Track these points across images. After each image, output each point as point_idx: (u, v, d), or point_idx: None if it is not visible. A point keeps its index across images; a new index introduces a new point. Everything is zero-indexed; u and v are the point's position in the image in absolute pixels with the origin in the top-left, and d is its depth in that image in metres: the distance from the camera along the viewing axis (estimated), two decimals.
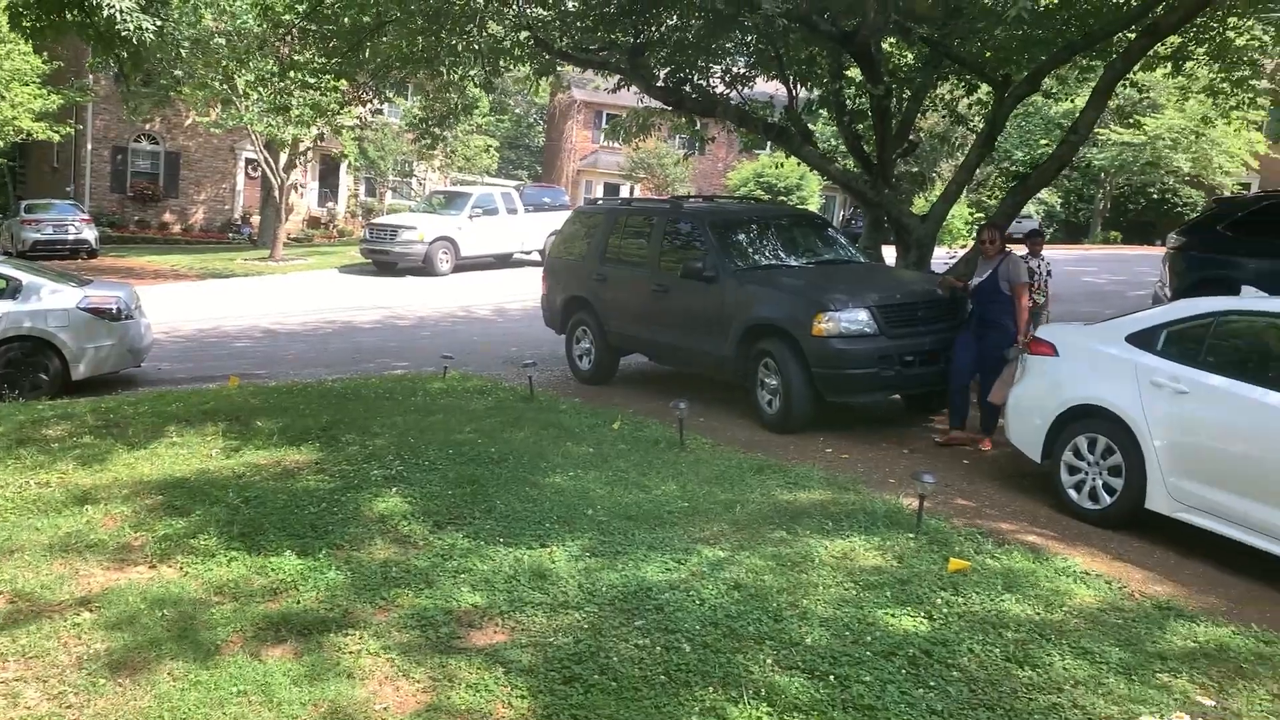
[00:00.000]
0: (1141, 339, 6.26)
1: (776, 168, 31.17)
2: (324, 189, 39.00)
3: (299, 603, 4.88)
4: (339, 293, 20.48)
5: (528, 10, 11.64)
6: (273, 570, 5.25)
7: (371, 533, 5.78)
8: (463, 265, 23.63)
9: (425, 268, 22.82)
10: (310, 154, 30.95)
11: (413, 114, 20.25)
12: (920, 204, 18.83)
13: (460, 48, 11.16)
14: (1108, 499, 6.19)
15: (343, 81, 12.98)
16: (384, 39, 10.91)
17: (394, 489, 6.53)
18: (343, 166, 36.66)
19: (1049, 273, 11.04)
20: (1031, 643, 4.49)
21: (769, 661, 4.24)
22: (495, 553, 5.45)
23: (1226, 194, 29.27)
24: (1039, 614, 4.81)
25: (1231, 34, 12.23)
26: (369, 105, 14.11)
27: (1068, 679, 4.19)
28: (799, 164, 29.38)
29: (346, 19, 11.26)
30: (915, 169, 20.33)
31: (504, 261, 24.67)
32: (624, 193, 38.93)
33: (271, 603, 4.89)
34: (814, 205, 36.97)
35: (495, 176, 41.67)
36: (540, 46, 11.82)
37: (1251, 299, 6.20)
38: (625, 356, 10.87)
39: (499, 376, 10.83)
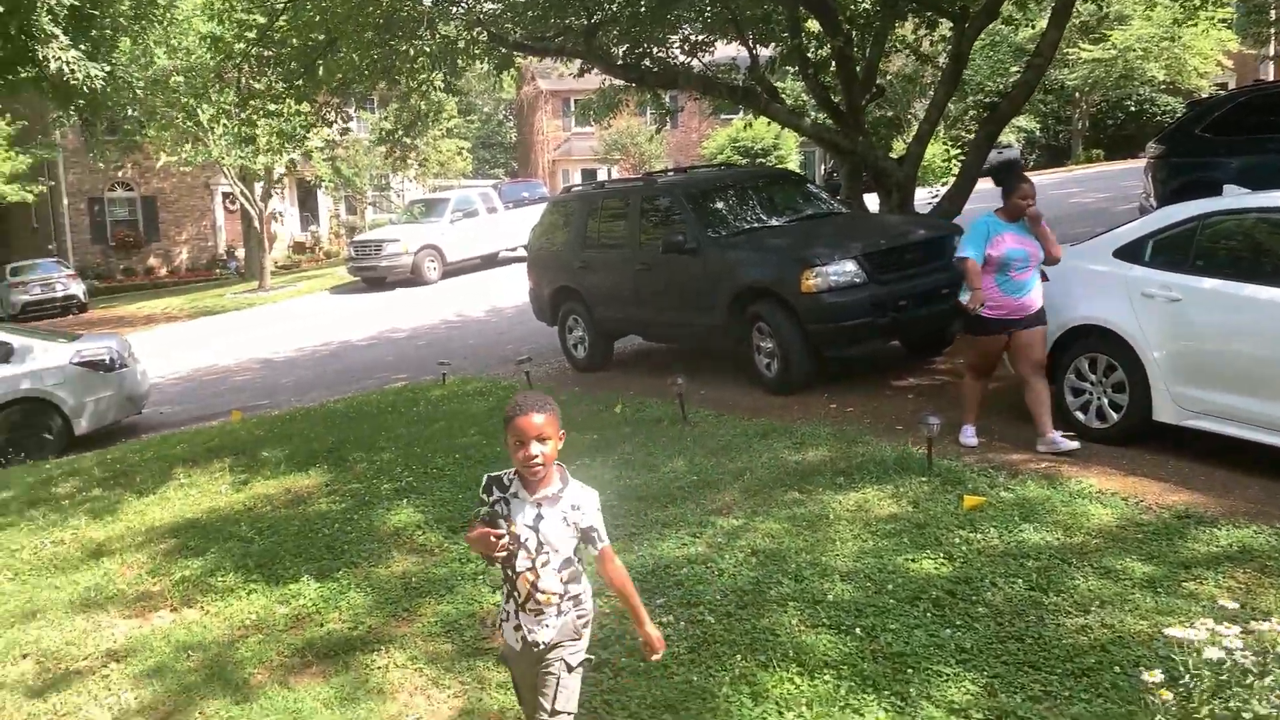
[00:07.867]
0: (1128, 252, 6.22)
1: (746, 128, 30.94)
2: (305, 213, 38.95)
3: (323, 626, 4.88)
4: (332, 314, 20.46)
5: (477, 6, 11.55)
6: (293, 598, 5.24)
7: (388, 547, 5.78)
8: (451, 270, 23.57)
9: (414, 278, 22.77)
10: (285, 180, 30.92)
11: (381, 127, 20.15)
12: (899, 147, 18.67)
13: (413, 54, 11.06)
14: (1115, 416, 6.16)
15: (304, 104, 12.89)
16: (337, 55, 10.84)
17: (405, 501, 6.52)
18: (320, 189, 36.59)
19: None
20: (1054, 569, 4.48)
21: (794, 622, 4.23)
22: None
23: (1204, 96, 29.12)
24: (1059, 539, 4.80)
25: None
26: (334, 125, 13.94)
27: (1093, 600, 4.18)
28: (770, 124, 29.36)
29: (296, 40, 11.18)
30: (890, 113, 20.16)
31: (491, 261, 24.61)
32: (601, 176, 38.79)
33: (296, 630, 4.89)
34: (793, 162, 36.75)
35: (472, 178, 41.52)
36: (495, 41, 11.73)
37: (1235, 197, 6.15)
38: (620, 339, 10.85)
39: (498, 376, 10.81)
